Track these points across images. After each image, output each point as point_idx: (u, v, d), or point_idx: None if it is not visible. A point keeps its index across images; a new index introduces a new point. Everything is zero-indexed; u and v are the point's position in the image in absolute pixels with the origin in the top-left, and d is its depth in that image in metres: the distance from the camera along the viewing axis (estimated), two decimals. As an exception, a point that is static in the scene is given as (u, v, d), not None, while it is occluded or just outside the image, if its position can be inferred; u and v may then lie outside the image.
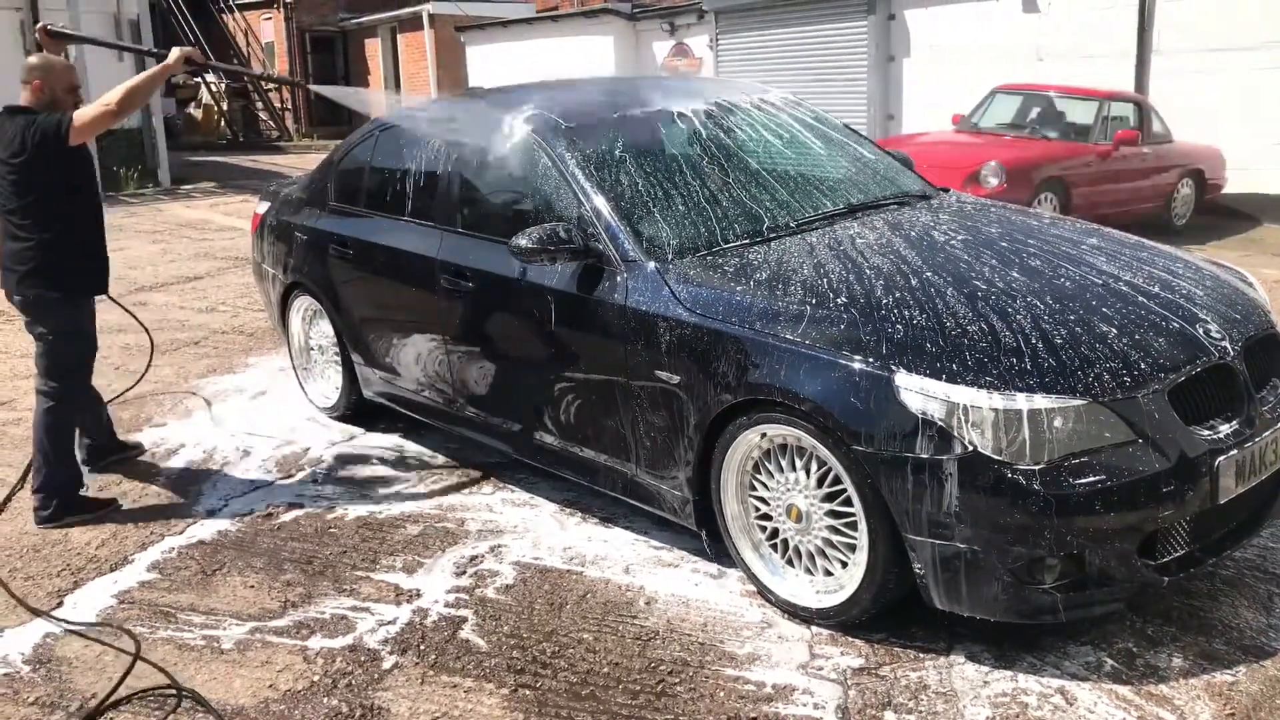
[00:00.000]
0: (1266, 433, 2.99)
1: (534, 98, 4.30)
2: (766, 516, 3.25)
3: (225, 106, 24.13)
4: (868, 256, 3.39)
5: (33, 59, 4.04)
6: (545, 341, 3.75)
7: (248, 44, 26.46)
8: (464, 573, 3.57)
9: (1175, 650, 2.96)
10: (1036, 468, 2.71)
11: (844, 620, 3.09)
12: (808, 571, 3.19)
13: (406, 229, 4.40)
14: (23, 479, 4.26)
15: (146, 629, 3.27)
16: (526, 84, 5.03)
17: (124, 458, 4.63)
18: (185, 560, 3.74)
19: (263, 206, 5.53)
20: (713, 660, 3.01)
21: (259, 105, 25.83)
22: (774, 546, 3.27)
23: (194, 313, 7.64)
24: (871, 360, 2.90)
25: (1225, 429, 2.93)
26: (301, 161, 17.82)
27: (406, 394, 4.61)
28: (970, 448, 2.73)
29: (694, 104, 4.20)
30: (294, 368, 5.43)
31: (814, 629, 3.14)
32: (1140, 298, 3.18)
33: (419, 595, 3.43)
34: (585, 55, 17.81)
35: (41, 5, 15.14)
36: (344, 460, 4.66)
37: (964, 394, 2.76)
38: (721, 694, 2.85)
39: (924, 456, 2.76)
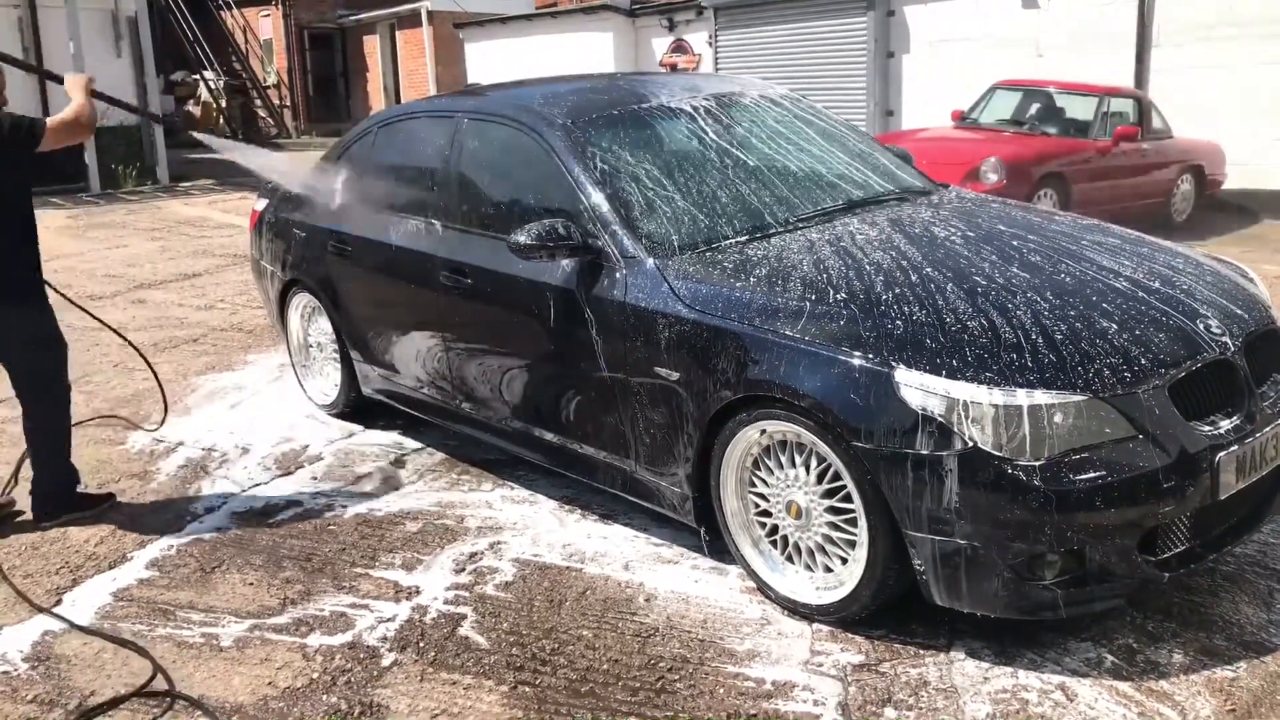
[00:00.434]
0: (1267, 428, 2.98)
1: (533, 93, 4.29)
2: (766, 513, 3.25)
3: (224, 104, 24.08)
4: (867, 252, 3.38)
5: None
6: (544, 338, 3.75)
7: (246, 41, 26.41)
8: (463, 570, 3.56)
9: (1176, 646, 2.96)
10: (1037, 463, 2.70)
11: (844, 617, 3.08)
12: (807, 568, 3.19)
13: (405, 225, 4.40)
14: (14, 475, 4.25)
15: (145, 627, 3.27)
16: (525, 80, 5.02)
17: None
18: (184, 558, 3.74)
19: (261, 203, 5.52)
20: (712, 657, 3.00)
21: (257, 103, 25.79)
22: (774, 543, 3.26)
23: (193, 310, 7.65)
24: (871, 356, 2.89)
25: (1226, 424, 2.92)
26: (300, 158, 17.77)
27: (406, 391, 4.61)
28: (970, 444, 2.72)
29: (693, 100, 4.19)
30: (293, 365, 5.43)
31: (814, 625, 3.13)
32: (1140, 293, 3.17)
33: (418, 592, 3.42)
34: (584, 52, 17.78)
35: (40, 3, 15.12)
36: (343, 457, 4.66)
37: (964, 390, 2.76)
38: (721, 690, 2.84)
39: (924, 452, 2.76)
